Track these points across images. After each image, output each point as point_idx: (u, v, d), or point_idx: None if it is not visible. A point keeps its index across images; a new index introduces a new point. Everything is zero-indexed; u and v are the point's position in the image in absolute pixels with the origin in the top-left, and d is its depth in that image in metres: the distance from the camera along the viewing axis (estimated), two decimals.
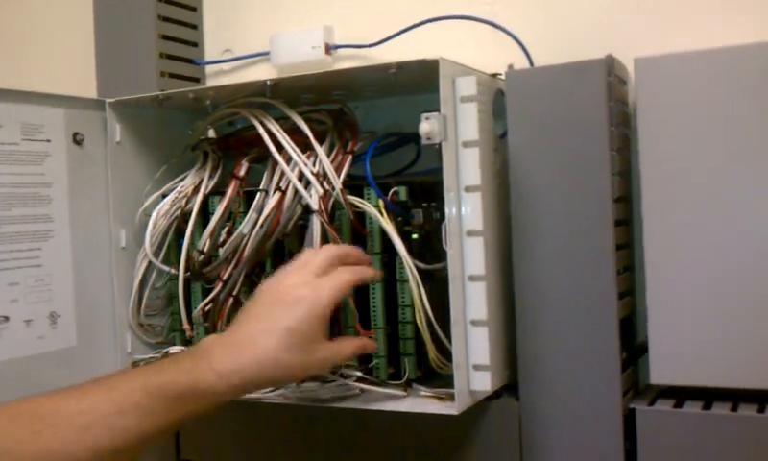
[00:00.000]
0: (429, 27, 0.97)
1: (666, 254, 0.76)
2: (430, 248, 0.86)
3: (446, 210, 0.74)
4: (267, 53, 1.07)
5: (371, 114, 0.94)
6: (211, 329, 0.87)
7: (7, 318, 0.82)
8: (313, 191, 0.81)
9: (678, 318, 0.76)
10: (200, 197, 0.89)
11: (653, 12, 0.91)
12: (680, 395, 0.79)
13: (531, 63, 0.88)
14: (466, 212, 0.76)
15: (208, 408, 0.68)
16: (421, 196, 0.85)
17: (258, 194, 0.84)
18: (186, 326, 0.90)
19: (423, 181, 0.86)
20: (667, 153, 0.76)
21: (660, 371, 0.77)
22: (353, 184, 0.83)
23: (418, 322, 0.78)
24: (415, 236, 0.83)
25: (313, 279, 0.72)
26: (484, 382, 0.76)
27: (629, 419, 0.78)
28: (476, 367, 0.76)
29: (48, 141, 0.85)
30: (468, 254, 0.76)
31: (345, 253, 0.76)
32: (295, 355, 0.69)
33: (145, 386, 0.66)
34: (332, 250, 0.76)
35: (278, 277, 0.74)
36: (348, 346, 0.76)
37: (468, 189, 0.75)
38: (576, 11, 0.94)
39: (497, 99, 0.82)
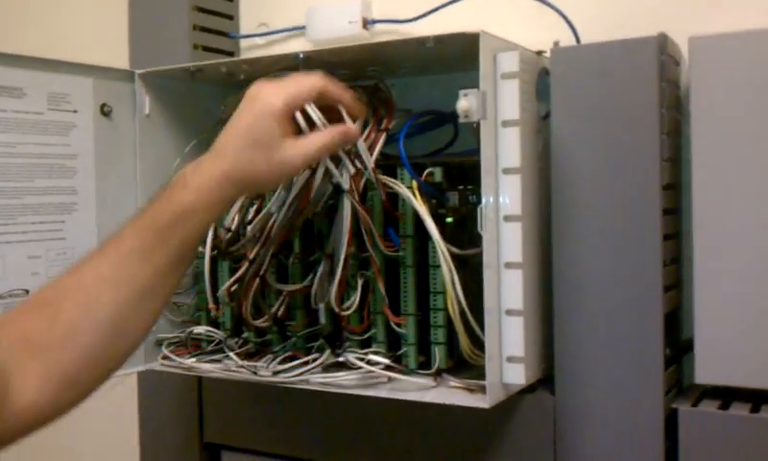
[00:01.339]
0: (472, 2, 0.93)
1: (716, 247, 0.72)
2: (465, 233, 0.82)
3: (483, 193, 0.70)
4: (303, 27, 1.04)
5: (407, 92, 0.90)
6: (236, 309, 0.85)
7: (27, 291, 0.80)
8: (344, 170, 0.78)
9: (726, 314, 0.72)
10: None
11: None
12: (725, 395, 0.75)
13: (578, 41, 0.83)
14: (503, 196, 0.72)
15: (200, 227, 0.69)
16: (458, 178, 0.81)
17: None
18: (212, 305, 0.88)
19: (461, 163, 0.82)
20: (721, 138, 0.72)
21: (706, 370, 0.73)
22: (387, 164, 0.80)
23: (450, 310, 0.75)
24: (449, 220, 0.80)
25: (279, 84, 0.71)
26: (518, 375, 0.73)
27: (670, 419, 0.74)
28: (510, 359, 0.73)
29: (75, 112, 0.83)
30: (505, 241, 0.72)
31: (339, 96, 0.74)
32: (255, 153, 0.69)
33: (134, 229, 0.67)
34: (323, 82, 0.73)
35: None
36: (316, 139, 0.72)
37: (506, 171, 0.72)
38: None
39: (541, 78, 0.78)
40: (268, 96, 0.70)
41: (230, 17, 1.08)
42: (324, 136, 0.72)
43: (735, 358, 0.72)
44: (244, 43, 1.10)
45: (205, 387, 1.00)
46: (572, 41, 0.85)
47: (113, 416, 1.10)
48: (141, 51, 1.03)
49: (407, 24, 0.97)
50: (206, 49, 1.03)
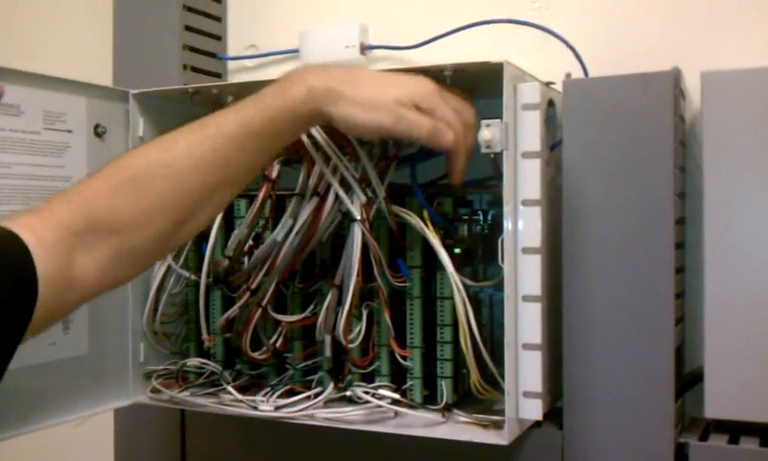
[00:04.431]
0: (470, 32, 0.92)
1: (728, 282, 0.72)
2: (470, 264, 0.81)
3: (505, 224, 0.69)
4: (296, 50, 1.01)
5: None
6: (236, 340, 0.81)
7: None
8: (355, 198, 0.75)
9: (737, 350, 0.72)
10: None
11: (698, 26, 0.87)
12: (729, 429, 0.75)
13: (585, 73, 0.83)
14: (522, 227, 0.71)
15: (294, 130, 0.69)
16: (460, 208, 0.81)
17: (294, 198, 0.78)
18: (205, 335, 0.84)
19: (463, 192, 0.81)
20: (733, 172, 0.72)
21: (716, 404, 0.73)
22: (392, 193, 0.78)
23: (462, 343, 0.73)
24: (457, 251, 0.78)
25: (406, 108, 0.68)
26: (534, 411, 0.71)
27: (678, 453, 0.73)
28: (526, 394, 0.71)
29: (69, 132, 0.79)
30: (524, 273, 0.71)
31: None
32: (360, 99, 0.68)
33: (238, 115, 0.67)
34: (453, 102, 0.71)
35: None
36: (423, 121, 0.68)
37: (525, 203, 0.70)
38: (627, 21, 0.90)
39: (548, 109, 0.77)
40: (406, 81, 0.69)
41: (218, 38, 1.05)
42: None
43: (745, 393, 0.72)
44: (231, 65, 1.07)
45: (190, 424, 0.95)
46: (578, 73, 0.85)
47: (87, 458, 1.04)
48: (126, 70, 0.99)
49: (405, 51, 0.96)
50: (194, 70, 1.00)
